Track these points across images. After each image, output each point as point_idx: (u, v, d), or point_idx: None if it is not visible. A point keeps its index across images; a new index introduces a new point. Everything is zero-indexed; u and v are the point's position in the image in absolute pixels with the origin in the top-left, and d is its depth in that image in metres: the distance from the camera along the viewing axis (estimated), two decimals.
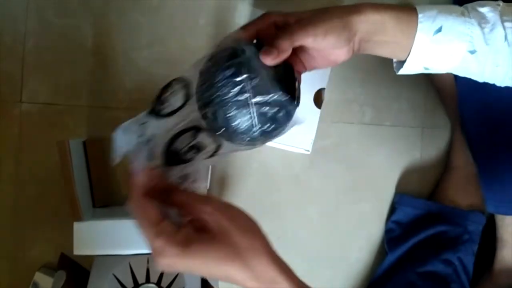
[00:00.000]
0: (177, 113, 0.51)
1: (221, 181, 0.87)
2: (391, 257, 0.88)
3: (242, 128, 0.49)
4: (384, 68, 0.89)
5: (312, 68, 0.58)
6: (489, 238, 0.89)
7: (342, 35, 0.51)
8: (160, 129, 0.50)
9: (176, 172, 0.48)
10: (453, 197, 0.89)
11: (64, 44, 0.80)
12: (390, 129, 0.92)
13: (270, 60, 0.49)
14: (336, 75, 0.87)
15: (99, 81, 0.81)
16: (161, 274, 0.73)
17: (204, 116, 0.50)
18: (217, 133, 0.50)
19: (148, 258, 0.73)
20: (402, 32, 0.54)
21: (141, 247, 0.70)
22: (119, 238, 0.69)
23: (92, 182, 0.81)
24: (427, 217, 0.89)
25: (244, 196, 0.88)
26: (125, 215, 0.73)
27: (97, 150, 0.81)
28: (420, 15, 0.53)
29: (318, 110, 0.81)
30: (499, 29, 0.53)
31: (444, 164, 0.95)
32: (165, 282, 0.72)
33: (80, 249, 0.68)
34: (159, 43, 0.83)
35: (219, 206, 0.45)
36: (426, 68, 0.58)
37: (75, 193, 0.66)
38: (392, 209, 0.92)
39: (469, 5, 0.55)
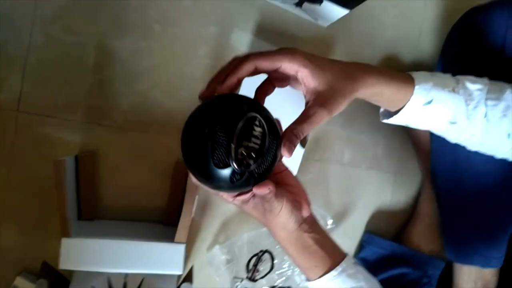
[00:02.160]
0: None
1: (204, 203, 0.90)
2: None
3: None
4: (366, 114, 0.95)
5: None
6: (446, 283, 0.95)
7: (346, 104, 0.54)
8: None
9: None
10: (417, 242, 0.95)
11: (66, 60, 0.82)
12: (366, 172, 0.98)
13: (291, 154, 0.50)
14: None
15: (96, 98, 0.84)
16: None
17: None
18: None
19: (126, 273, 0.76)
20: (397, 99, 0.59)
21: (121, 267, 0.74)
22: (103, 256, 0.72)
23: (80, 195, 0.83)
24: (391, 258, 0.94)
25: (225, 217, 0.92)
26: (108, 233, 0.77)
27: (87, 165, 0.83)
28: (416, 87, 0.58)
29: (302, 150, 0.86)
30: (481, 107, 0.59)
31: (412, 209, 1.00)
32: None
33: (66, 264, 0.70)
34: (158, 68, 0.86)
35: None
36: (408, 125, 0.63)
37: (66, 212, 0.69)
38: (360, 247, 0.97)
39: (461, 79, 0.61)
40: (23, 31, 0.81)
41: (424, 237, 0.95)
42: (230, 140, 0.45)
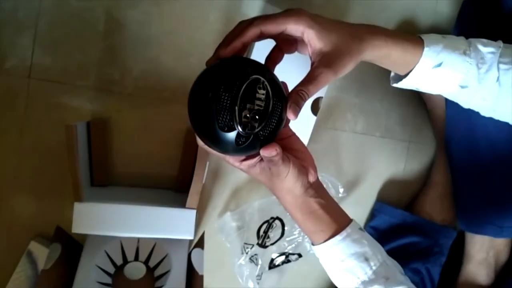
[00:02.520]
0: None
1: (215, 171, 0.91)
2: None
3: None
4: (380, 82, 0.93)
5: None
6: (457, 252, 0.95)
7: (352, 66, 0.53)
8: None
9: None
10: (429, 211, 0.95)
11: (77, 25, 0.82)
12: (379, 140, 0.97)
13: (296, 116, 0.49)
14: (333, 84, 0.91)
15: (107, 65, 0.83)
16: (150, 254, 0.78)
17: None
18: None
19: (138, 238, 0.78)
20: (405, 61, 0.58)
21: (133, 231, 0.75)
22: (116, 221, 0.73)
23: (92, 161, 0.84)
24: (402, 226, 0.94)
25: (236, 186, 0.92)
26: (121, 198, 0.78)
27: (99, 132, 0.84)
28: (426, 49, 0.56)
29: (314, 118, 0.85)
30: (493, 71, 0.57)
31: (425, 179, 0.99)
32: (152, 262, 0.77)
33: (79, 228, 0.71)
34: (168, 35, 0.85)
35: None
36: (418, 89, 0.62)
37: (78, 176, 0.70)
38: (372, 216, 0.97)
39: (474, 41, 0.59)
40: None
41: (436, 206, 0.95)
42: (234, 103, 0.45)
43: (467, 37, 0.61)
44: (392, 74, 0.65)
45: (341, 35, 0.52)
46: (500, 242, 0.91)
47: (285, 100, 0.49)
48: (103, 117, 0.85)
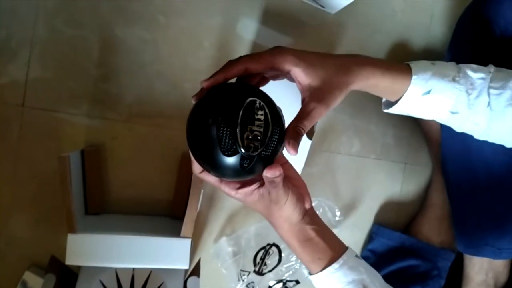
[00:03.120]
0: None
1: (210, 196, 0.90)
2: None
3: None
4: (374, 104, 0.93)
5: None
6: (456, 275, 0.94)
7: (343, 97, 0.54)
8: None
9: None
10: (427, 233, 0.94)
11: (70, 54, 0.82)
12: (375, 162, 0.96)
13: (296, 152, 0.49)
14: None
15: (101, 92, 0.83)
16: (145, 283, 0.76)
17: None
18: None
19: (133, 268, 0.77)
20: (394, 89, 0.59)
21: (127, 262, 0.74)
22: (110, 251, 0.72)
23: (86, 189, 0.83)
24: (400, 249, 0.93)
25: (232, 210, 0.91)
26: (115, 228, 0.77)
27: (93, 160, 0.83)
28: (414, 77, 0.57)
29: (309, 141, 0.85)
30: (483, 96, 0.58)
31: (422, 200, 0.99)
32: None
33: (72, 259, 0.71)
34: (162, 61, 0.85)
35: None
36: (410, 114, 0.62)
37: (72, 207, 0.69)
38: (369, 238, 0.96)
39: (463, 68, 0.59)
40: (26, 25, 0.80)
41: (434, 228, 0.94)
42: (235, 126, 0.45)
43: (460, 59, 0.61)
44: (383, 99, 0.66)
45: (328, 69, 0.52)
46: (499, 264, 0.90)
47: (282, 118, 0.50)
48: (97, 144, 0.84)
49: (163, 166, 0.87)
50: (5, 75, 0.80)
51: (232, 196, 0.55)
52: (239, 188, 0.54)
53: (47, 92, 0.82)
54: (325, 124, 0.92)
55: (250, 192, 0.54)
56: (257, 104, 0.47)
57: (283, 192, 0.52)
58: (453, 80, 0.58)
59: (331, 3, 0.84)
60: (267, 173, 0.49)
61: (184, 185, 0.84)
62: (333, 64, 0.53)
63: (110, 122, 0.84)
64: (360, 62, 0.55)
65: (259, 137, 0.46)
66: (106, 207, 0.86)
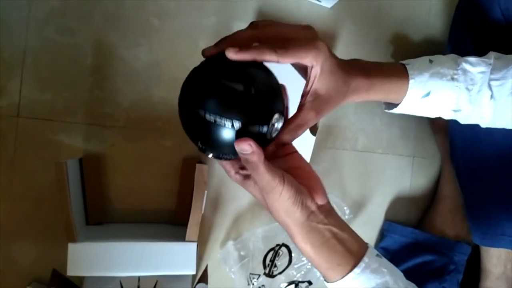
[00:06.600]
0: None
1: (215, 201, 0.87)
2: None
3: None
4: None
5: None
6: (474, 268, 0.91)
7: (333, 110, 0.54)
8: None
9: None
10: (441, 227, 0.91)
11: (63, 62, 0.80)
12: (382, 157, 0.94)
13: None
14: None
15: (96, 99, 0.82)
16: None
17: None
18: None
19: (138, 277, 0.74)
20: (392, 97, 0.59)
21: (132, 270, 0.71)
22: (112, 260, 0.69)
23: (86, 199, 0.81)
24: (414, 245, 0.90)
25: (237, 214, 0.89)
26: (118, 236, 0.74)
27: (92, 168, 0.81)
28: (411, 82, 0.57)
29: (313, 138, 0.83)
30: (485, 91, 0.58)
31: (433, 193, 0.96)
32: None
33: (74, 270, 0.68)
34: (159, 64, 0.83)
35: None
36: (412, 114, 0.62)
37: (71, 215, 0.67)
38: (381, 236, 0.93)
39: (463, 63, 0.58)
40: (18, 35, 0.79)
41: (447, 221, 0.91)
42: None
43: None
44: (383, 103, 0.66)
45: (336, 81, 0.51)
46: None
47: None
48: (96, 152, 0.82)
49: (164, 172, 0.84)
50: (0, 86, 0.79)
51: (232, 178, 0.52)
52: (238, 172, 0.51)
53: (42, 102, 0.80)
54: (328, 120, 0.90)
55: (246, 176, 0.50)
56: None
57: (270, 178, 0.45)
58: (452, 79, 0.57)
59: None
60: (236, 146, 0.44)
61: (186, 190, 0.81)
62: (341, 74, 0.52)
63: (108, 129, 0.82)
64: (357, 75, 0.54)
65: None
66: (108, 217, 0.83)
